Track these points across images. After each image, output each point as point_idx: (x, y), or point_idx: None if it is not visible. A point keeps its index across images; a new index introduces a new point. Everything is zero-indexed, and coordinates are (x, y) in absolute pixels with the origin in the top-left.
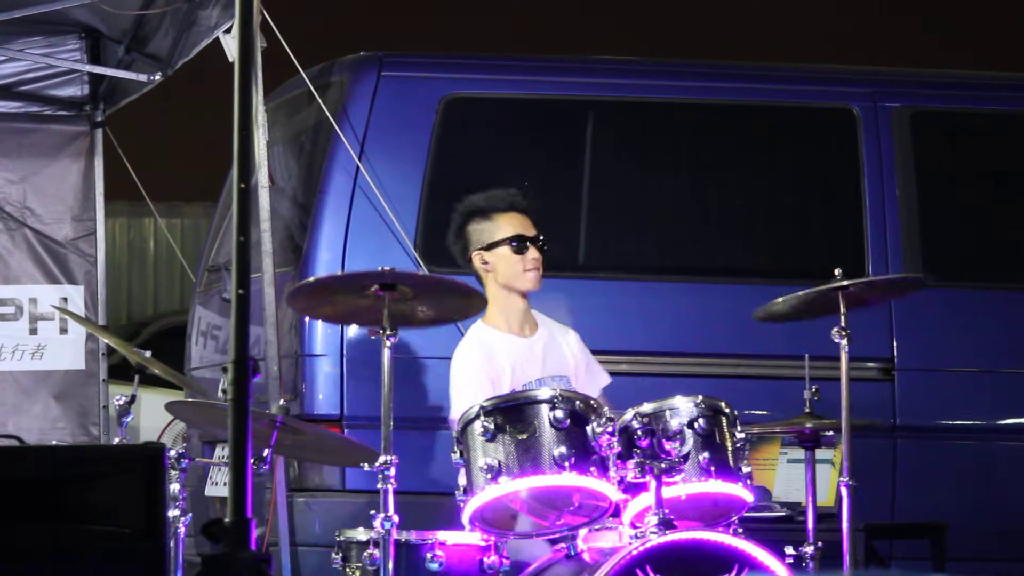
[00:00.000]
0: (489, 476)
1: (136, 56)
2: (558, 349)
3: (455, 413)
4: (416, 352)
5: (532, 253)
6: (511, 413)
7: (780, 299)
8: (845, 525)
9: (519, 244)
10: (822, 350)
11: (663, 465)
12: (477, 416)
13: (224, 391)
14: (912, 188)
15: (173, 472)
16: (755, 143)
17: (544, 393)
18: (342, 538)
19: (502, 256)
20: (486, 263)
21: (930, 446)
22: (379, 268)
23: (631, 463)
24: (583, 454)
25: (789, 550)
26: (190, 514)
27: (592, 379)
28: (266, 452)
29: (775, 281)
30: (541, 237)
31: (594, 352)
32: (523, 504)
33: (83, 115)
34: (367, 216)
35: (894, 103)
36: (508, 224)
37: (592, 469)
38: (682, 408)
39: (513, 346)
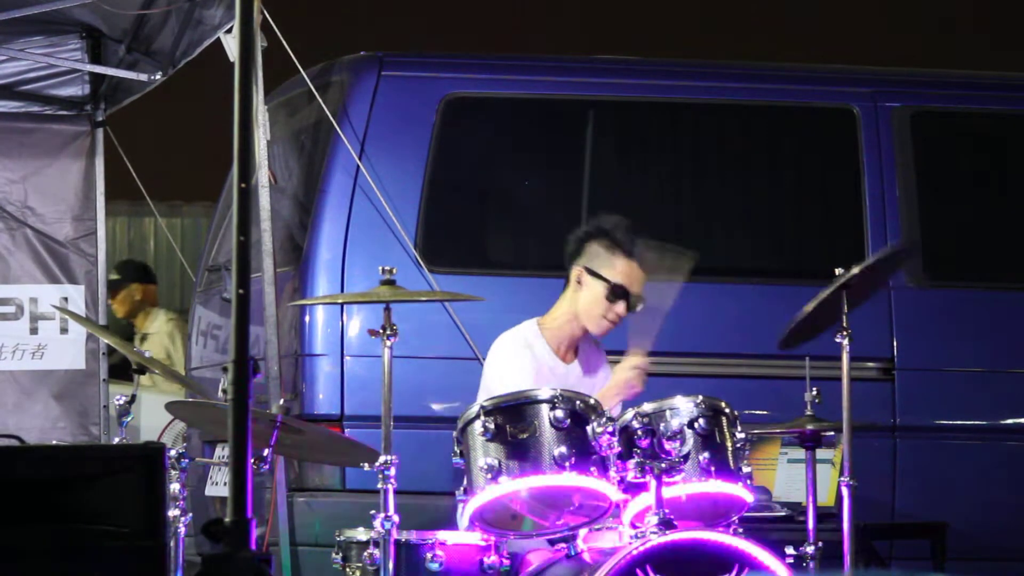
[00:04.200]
0: (489, 476)
1: (138, 56)
2: (589, 380)
3: (501, 388)
4: (416, 352)
5: (620, 308)
6: (511, 413)
7: (793, 319)
8: (845, 525)
9: (616, 295)
10: (822, 350)
11: (663, 465)
12: (477, 416)
13: (224, 391)
14: (912, 188)
15: (173, 472)
16: (755, 143)
17: (544, 393)
18: (342, 538)
19: (595, 291)
20: (580, 283)
21: (930, 446)
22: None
23: (631, 463)
24: (583, 454)
25: (789, 550)
26: (190, 514)
27: None
28: (266, 452)
29: (775, 281)
30: (639, 297)
31: None
32: (523, 504)
33: (84, 115)
34: (367, 216)
35: (894, 103)
36: (622, 271)
37: (592, 469)
38: (682, 408)
39: (555, 367)
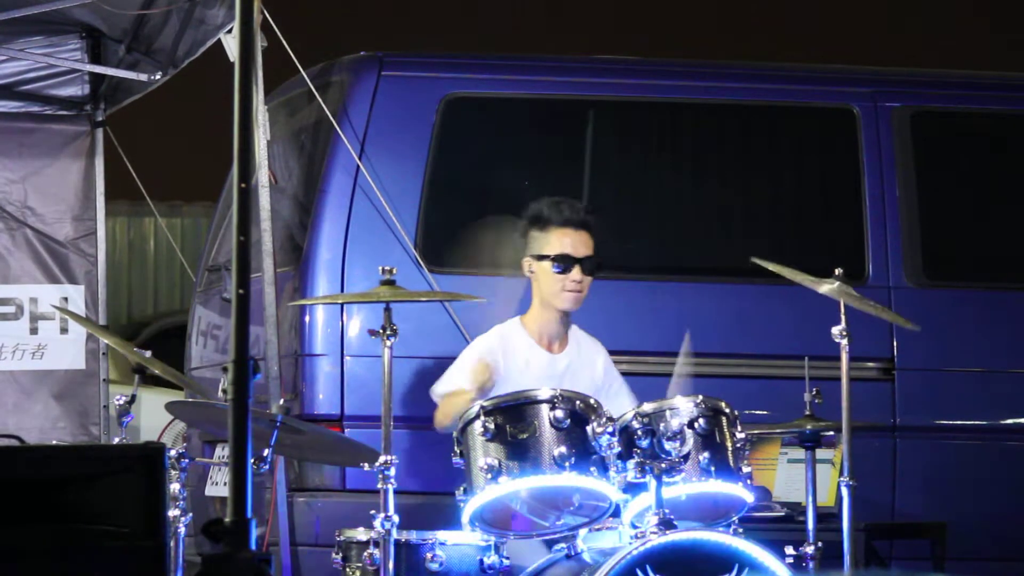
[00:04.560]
0: (489, 476)
1: (138, 56)
2: (581, 370)
3: (441, 385)
4: (416, 352)
5: (574, 274)
6: (511, 413)
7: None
8: (845, 525)
9: (560, 264)
10: (822, 350)
11: (663, 465)
12: (477, 416)
13: (224, 391)
14: (912, 188)
15: (173, 472)
16: (755, 143)
17: (544, 393)
18: (342, 538)
19: (545, 271)
20: (532, 271)
21: (930, 446)
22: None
23: (631, 463)
24: (583, 454)
25: (789, 550)
26: (190, 514)
27: (610, 403)
28: (266, 452)
29: (775, 281)
30: (593, 257)
31: None
32: (523, 504)
33: (84, 115)
34: (367, 216)
35: (894, 103)
36: (559, 240)
37: (592, 469)
38: (682, 408)
39: (536, 357)
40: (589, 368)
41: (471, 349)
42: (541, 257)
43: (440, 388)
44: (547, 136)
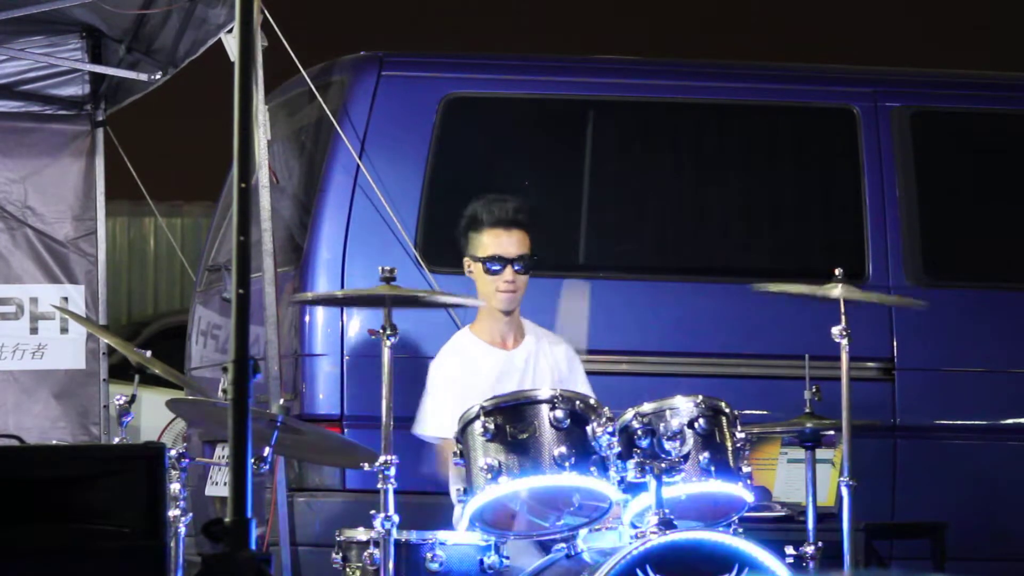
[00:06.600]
0: (489, 476)
1: (139, 55)
2: (542, 361)
3: (426, 425)
4: (416, 352)
5: (506, 275)
6: (511, 413)
7: (780, 286)
8: (845, 525)
9: (492, 265)
10: (822, 350)
11: (663, 465)
12: (477, 416)
13: (224, 391)
14: (912, 188)
15: (173, 472)
16: (755, 143)
17: (544, 393)
18: (342, 538)
19: (478, 273)
20: (471, 271)
21: (930, 446)
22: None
23: (631, 463)
24: (583, 454)
25: (789, 550)
26: (190, 514)
27: None
28: (266, 452)
29: (775, 281)
30: (525, 256)
31: (594, 352)
32: (523, 504)
33: (84, 114)
34: (367, 215)
35: (894, 103)
36: (490, 241)
37: (592, 469)
38: (682, 408)
39: (493, 359)
40: (550, 357)
41: (438, 379)
42: (475, 259)
43: (428, 430)
44: (547, 136)
